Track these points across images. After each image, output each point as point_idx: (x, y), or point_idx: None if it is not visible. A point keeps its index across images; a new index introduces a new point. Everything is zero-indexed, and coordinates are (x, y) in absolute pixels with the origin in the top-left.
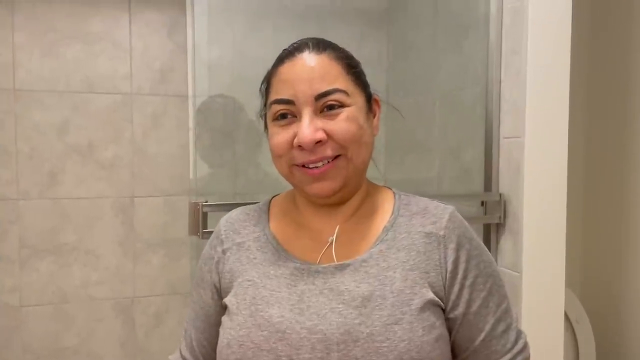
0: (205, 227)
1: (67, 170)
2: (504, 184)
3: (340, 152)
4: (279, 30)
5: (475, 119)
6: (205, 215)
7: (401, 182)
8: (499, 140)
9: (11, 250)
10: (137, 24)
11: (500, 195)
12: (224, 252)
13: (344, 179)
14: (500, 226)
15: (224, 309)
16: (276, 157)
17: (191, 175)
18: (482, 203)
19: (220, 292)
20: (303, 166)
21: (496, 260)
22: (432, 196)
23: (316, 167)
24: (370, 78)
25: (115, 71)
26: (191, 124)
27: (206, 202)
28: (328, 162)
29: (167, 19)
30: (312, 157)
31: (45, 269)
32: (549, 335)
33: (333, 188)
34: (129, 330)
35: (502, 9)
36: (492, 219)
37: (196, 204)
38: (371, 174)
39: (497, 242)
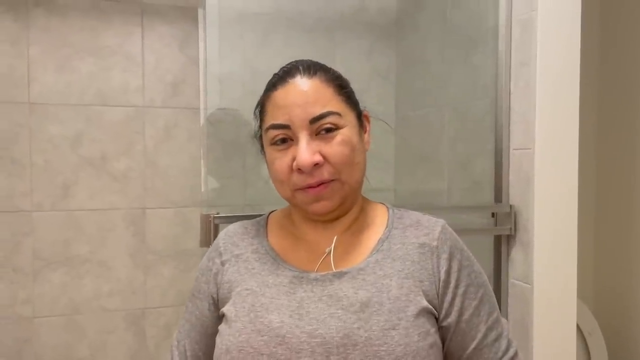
0: None
1: (80, 182)
2: (514, 195)
3: (335, 176)
4: (289, 43)
5: (485, 130)
6: (216, 227)
7: (411, 193)
8: (509, 151)
9: (25, 261)
10: (149, 37)
11: (510, 206)
12: (222, 263)
13: (340, 199)
14: (510, 237)
15: (220, 319)
16: (278, 182)
17: (203, 188)
18: (493, 214)
19: (217, 303)
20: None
21: (507, 271)
22: (443, 208)
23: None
24: (379, 90)
25: (128, 84)
26: (203, 136)
27: (217, 214)
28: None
29: (179, 33)
30: (310, 181)
31: (57, 281)
32: (561, 347)
33: (331, 207)
34: (139, 342)
35: (510, 21)
36: (502, 231)
37: (208, 215)
38: (378, 185)
39: (508, 253)
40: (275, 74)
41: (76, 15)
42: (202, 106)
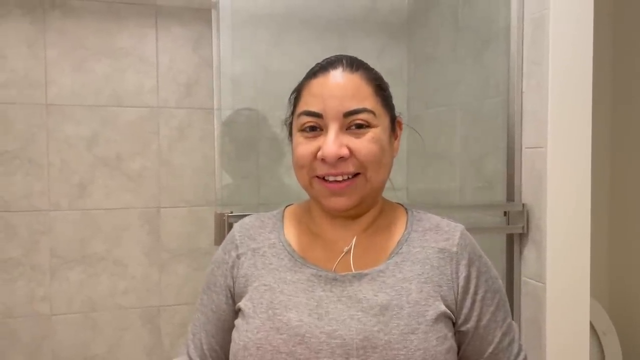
0: None
1: (96, 181)
2: (526, 194)
3: (360, 170)
4: (301, 44)
5: (497, 129)
6: (230, 226)
7: (423, 192)
8: (521, 150)
9: (42, 260)
10: (163, 39)
11: (523, 205)
12: (238, 257)
13: (360, 197)
14: (523, 236)
15: (236, 313)
16: (298, 167)
17: (217, 186)
18: (505, 213)
19: (234, 296)
20: (323, 179)
21: (519, 270)
22: (455, 207)
23: (336, 180)
24: (391, 90)
25: (142, 85)
26: (217, 136)
27: (232, 213)
28: (348, 178)
29: (192, 34)
30: (333, 171)
31: (74, 279)
32: (574, 347)
33: (349, 204)
34: (155, 339)
35: (522, 20)
36: (515, 229)
37: (222, 214)
38: (392, 184)
39: (521, 252)
40: (317, 64)
41: (91, 17)
42: (215, 106)
